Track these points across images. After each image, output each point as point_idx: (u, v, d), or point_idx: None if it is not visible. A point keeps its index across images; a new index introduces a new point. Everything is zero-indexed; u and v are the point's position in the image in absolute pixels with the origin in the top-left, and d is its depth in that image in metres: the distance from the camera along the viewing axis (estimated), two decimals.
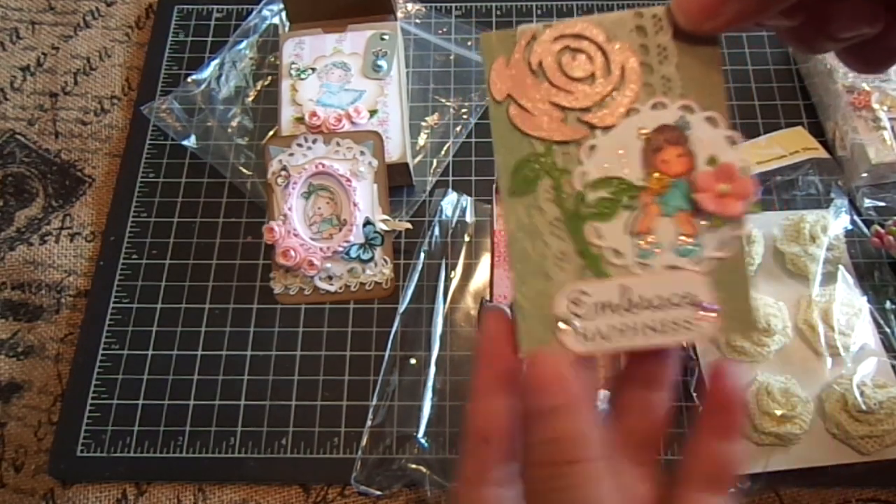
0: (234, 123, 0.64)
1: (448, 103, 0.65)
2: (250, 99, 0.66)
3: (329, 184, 0.57)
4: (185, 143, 0.63)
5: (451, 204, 0.60)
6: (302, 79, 0.61)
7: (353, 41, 0.62)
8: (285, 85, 0.61)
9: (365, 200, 0.57)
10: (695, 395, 0.52)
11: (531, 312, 0.29)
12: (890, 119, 0.59)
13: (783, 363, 0.52)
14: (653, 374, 0.30)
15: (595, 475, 0.25)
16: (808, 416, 0.50)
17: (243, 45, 0.67)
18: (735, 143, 0.28)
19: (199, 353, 0.56)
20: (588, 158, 0.29)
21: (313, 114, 0.59)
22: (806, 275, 0.55)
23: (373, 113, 0.60)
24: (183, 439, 0.53)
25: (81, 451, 0.53)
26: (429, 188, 0.61)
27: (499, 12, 0.70)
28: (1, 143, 0.66)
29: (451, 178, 0.62)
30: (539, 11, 0.70)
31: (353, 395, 0.54)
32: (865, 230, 0.58)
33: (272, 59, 0.67)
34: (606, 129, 0.29)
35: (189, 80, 0.65)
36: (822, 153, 0.60)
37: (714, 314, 0.28)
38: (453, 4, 0.70)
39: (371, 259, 0.57)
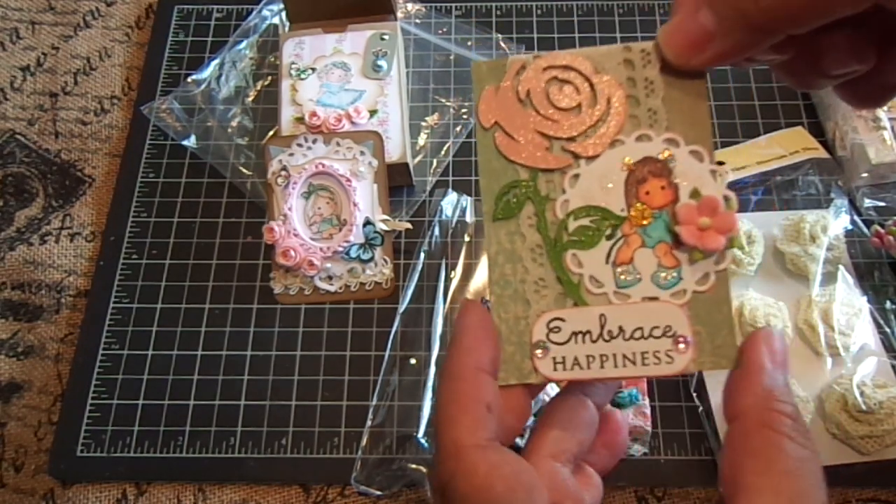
0: (234, 123, 0.64)
1: (448, 103, 0.65)
2: (250, 99, 0.66)
3: (329, 184, 0.57)
4: (185, 143, 0.63)
5: (451, 204, 0.60)
6: (302, 79, 0.61)
7: (353, 41, 0.62)
8: (285, 85, 0.61)
9: (365, 200, 0.57)
10: (695, 395, 0.52)
11: (509, 337, 0.29)
12: (890, 119, 0.59)
13: None
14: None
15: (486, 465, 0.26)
16: (808, 417, 0.50)
17: (243, 45, 0.67)
18: (720, 177, 0.28)
19: (199, 353, 0.56)
20: (571, 187, 0.29)
21: (313, 114, 0.59)
22: (806, 275, 0.55)
23: (373, 113, 0.60)
24: (183, 439, 0.53)
25: (81, 451, 0.53)
26: (429, 188, 0.61)
27: (499, 12, 0.70)
28: (1, 143, 0.66)
29: (451, 178, 0.62)
30: (539, 11, 0.70)
31: (353, 395, 0.54)
32: (865, 230, 0.58)
33: (272, 59, 0.67)
34: (591, 158, 0.29)
35: (189, 80, 0.65)
36: (822, 153, 0.60)
37: (690, 348, 0.28)
38: (453, 4, 0.70)
39: (371, 259, 0.57)
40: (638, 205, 0.28)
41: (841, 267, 0.55)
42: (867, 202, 0.59)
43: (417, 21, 0.68)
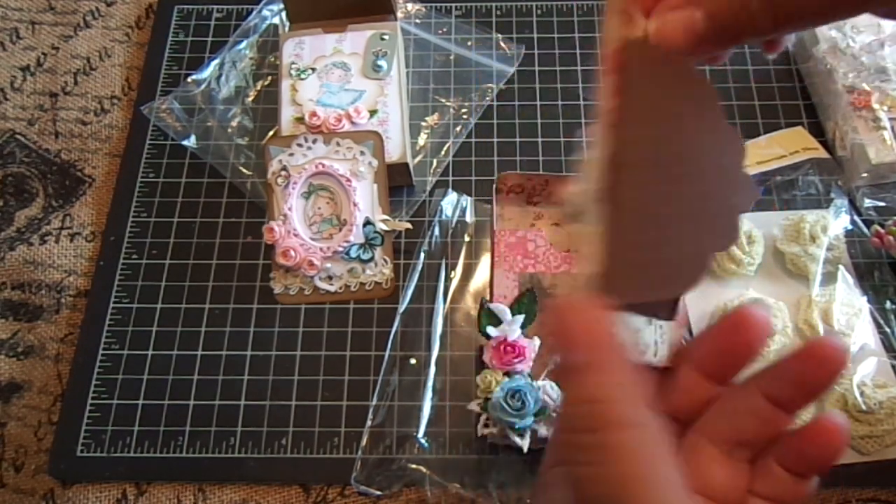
0: (234, 123, 0.64)
1: (448, 103, 0.65)
2: (250, 99, 0.66)
3: (329, 184, 0.57)
4: (185, 143, 0.63)
5: (451, 204, 0.60)
6: (302, 79, 0.61)
7: (353, 41, 0.62)
8: (285, 85, 0.61)
9: (365, 200, 0.57)
10: None
11: None
12: (890, 119, 0.59)
13: None
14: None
15: (630, 443, 0.23)
16: (807, 417, 0.50)
17: (243, 45, 0.67)
18: None
19: (199, 353, 0.56)
20: None
21: (313, 114, 0.59)
22: (806, 275, 0.55)
23: (373, 113, 0.60)
24: (183, 439, 0.53)
25: (81, 451, 0.53)
26: (429, 188, 0.61)
27: (499, 12, 0.70)
28: (1, 143, 0.66)
29: (451, 178, 0.62)
30: (539, 11, 0.70)
31: (353, 395, 0.54)
32: (865, 230, 0.58)
33: (272, 59, 0.67)
34: None
35: (189, 80, 0.65)
36: (822, 153, 0.60)
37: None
38: (453, 4, 0.70)
39: (371, 259, 0.57)
40: None
41: (841, 267, 0.55)
42: (867, 202, 0.59)
43: (417, 21, 0.68)
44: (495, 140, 0.64)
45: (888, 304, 0.55)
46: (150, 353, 0.56)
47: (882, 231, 0.56)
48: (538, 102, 0.65)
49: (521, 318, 0.53)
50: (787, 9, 0.25)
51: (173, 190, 0.62)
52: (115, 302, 0.58)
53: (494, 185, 0.58)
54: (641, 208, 0.27)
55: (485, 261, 0.58)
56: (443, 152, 0.63)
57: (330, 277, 0.57)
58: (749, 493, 0.28)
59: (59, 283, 0.60)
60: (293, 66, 0.62)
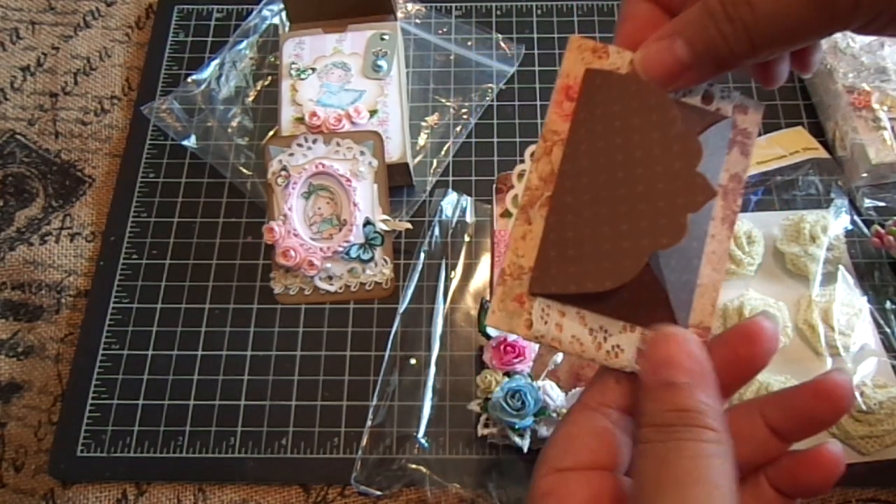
0: (234, 123, 0.64)
1: (448, 103, 0.65)
2: (250, 99, 0.66)
3: (329, 184, 0.57)
4: (185, 143, 0.63)
5: (451, 204, 0.60)
6: (302, 79, 0.61)
7: (353, 41, 0.62)
8: (285, 85, 0.61)
9: (365, 200, 0.57)
10: None
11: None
12: (890, 119, 0.59)
13: (783, 363, 0.52)
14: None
15: (712, 444, 0.25)
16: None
17: (243, 45, 0.67)
18: None
19: (199, 353, 0.56)
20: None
21: (313, 114, 0.59)
22: (806, 275, 0.55)
23: (373, 113, 0.60)
24: (183, 439, 0.53)
25: (81, 451, 0.53)
26: (429, 188, 0.61)
27: (499, 12, 0.70)
28: (1, 143, 0.66)
29: (451, 178, 0.62)
30: (539, 11, 0.70)
31: (353, 395, 0.54)
32: (865, 230, 0.58)
33: (272, 59, 0.67)
34: None
35: (189, 80, 0.65)
36: (822, 153, 0.60)
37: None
38: (453, 4, 0.70)
39: (371, 259, 0.57)
40: None
41: (841, 267, 0.55)
42: (867, 202, 0.59)
43: (417, 21, 0.68)
44: (495, 140, 0.64)
45: (888, 304, 0.55)
46: (150, 353, 0.56)
47: (882, 231, 0.56)
48: (538, 102, 0.65)
49: None
50: (762, 31, 0.26)
51: (173, 190, 0.62)
52: (115, 302, 0.58)
53: (494, 185, 0.58)
54: (578, 210, 0.28)
55: (485, 261, 0.58)
56: (443, 152, 0.63)
57: (330, 277, 0.57)
58: None
59: (59, 283, 0.60)
60: (293, 66, 0.62)
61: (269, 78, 0.67)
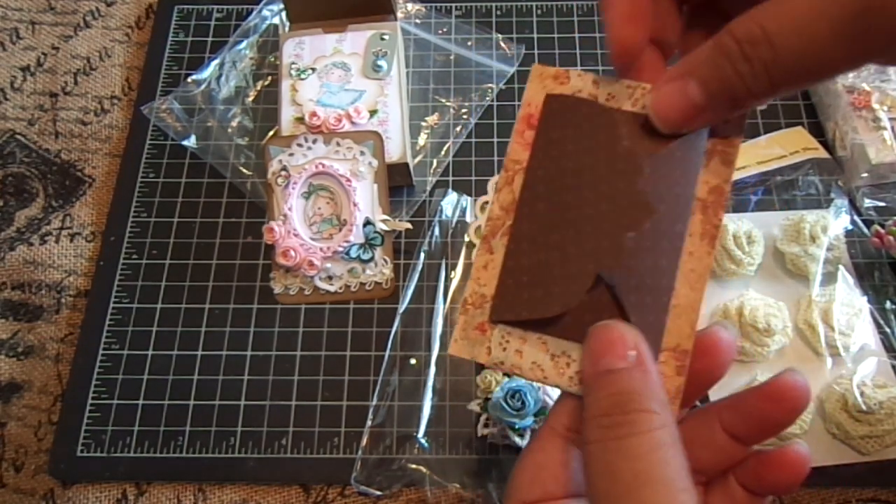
0: (234, 123, 0.64)
1: (448, 103, 0.65)
2: (250, 99, 0.66)
3: (329, 184, 0.57)
4: (185, 143, 0.63)
5: (451, 204, 0.60)
6: (302, 79, 0.61)
7: (353, 41, 0.62)
8: (285, 85, 0.61)
9: (365, 200, 0.57)
10: None
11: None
12: (890, 119, 0.59)
13: (783, 363, 0.52)
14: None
15: (655, 431, 0.24)
16: (807, 417, 0.50)
17: (243, 45, 0.67)
18: None
19: (199, 353, 0.56)
20: None
21: (313, 114, 0.59)
22: (806, 275, 0.55)
23: (373, 113, 0.60)
24: (183, 439, 0.53)
25: (81, 451, 0.53)
26: (429, 188, 0.61)
27: (499, 12, 0.70)
28: (1, 143, 0.66)
29: (451, 178, 0.62)
30: (539, 11, 0.70)
31: (353, 395, 0.54)
32: (865, 230, 0.58)
33: (272, 59, 0.67)
34: None
35: (189, 80, 0.65)
36: (822, 153, 0.60)
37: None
38: (453, 4, 0.70)
39: (371, 259, 0.57)
40: None
41: (841, 267, 0.55)
42: (867, 202, 0.59)
43: (417, 21, 0.68)
44: (495, 140, 0.64)
45: (888, 304, 0.55)
46: (150, 353, 0.56)
47: (882, 231, 0.56)
48: None
49: None
50: (783, 69, 0.24)
51: (173, 190, 0.62)
52: (115, 302, 0.58)
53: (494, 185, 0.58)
54: (533, 237, 0.29)
55: None
56: (443, 152, 0.63)
57: (330, 277, 0.57)
58: None
59: (59, 283, 0.60)
60: (293, 66, 0.62)
61: (269, 78, 0.67)
